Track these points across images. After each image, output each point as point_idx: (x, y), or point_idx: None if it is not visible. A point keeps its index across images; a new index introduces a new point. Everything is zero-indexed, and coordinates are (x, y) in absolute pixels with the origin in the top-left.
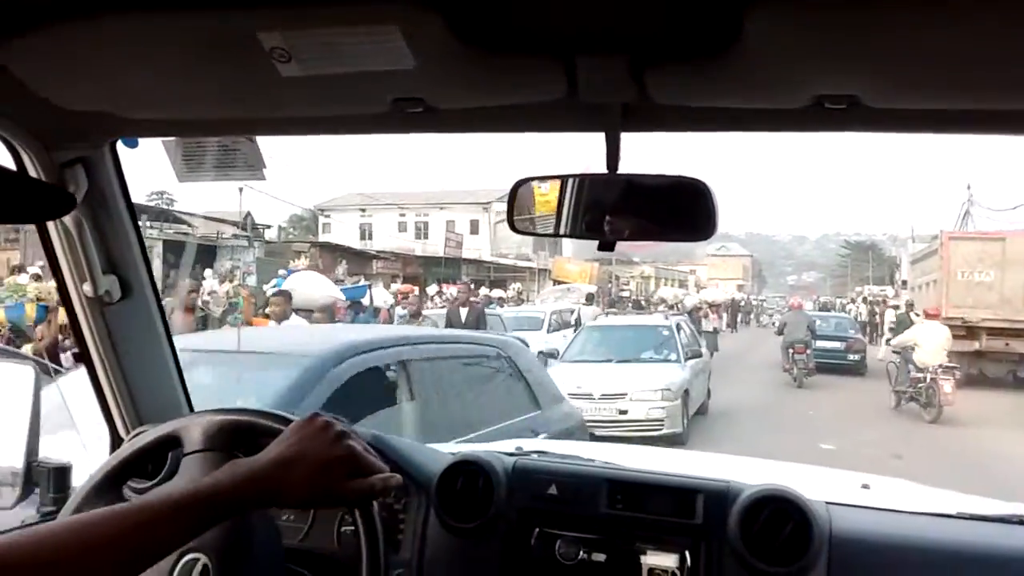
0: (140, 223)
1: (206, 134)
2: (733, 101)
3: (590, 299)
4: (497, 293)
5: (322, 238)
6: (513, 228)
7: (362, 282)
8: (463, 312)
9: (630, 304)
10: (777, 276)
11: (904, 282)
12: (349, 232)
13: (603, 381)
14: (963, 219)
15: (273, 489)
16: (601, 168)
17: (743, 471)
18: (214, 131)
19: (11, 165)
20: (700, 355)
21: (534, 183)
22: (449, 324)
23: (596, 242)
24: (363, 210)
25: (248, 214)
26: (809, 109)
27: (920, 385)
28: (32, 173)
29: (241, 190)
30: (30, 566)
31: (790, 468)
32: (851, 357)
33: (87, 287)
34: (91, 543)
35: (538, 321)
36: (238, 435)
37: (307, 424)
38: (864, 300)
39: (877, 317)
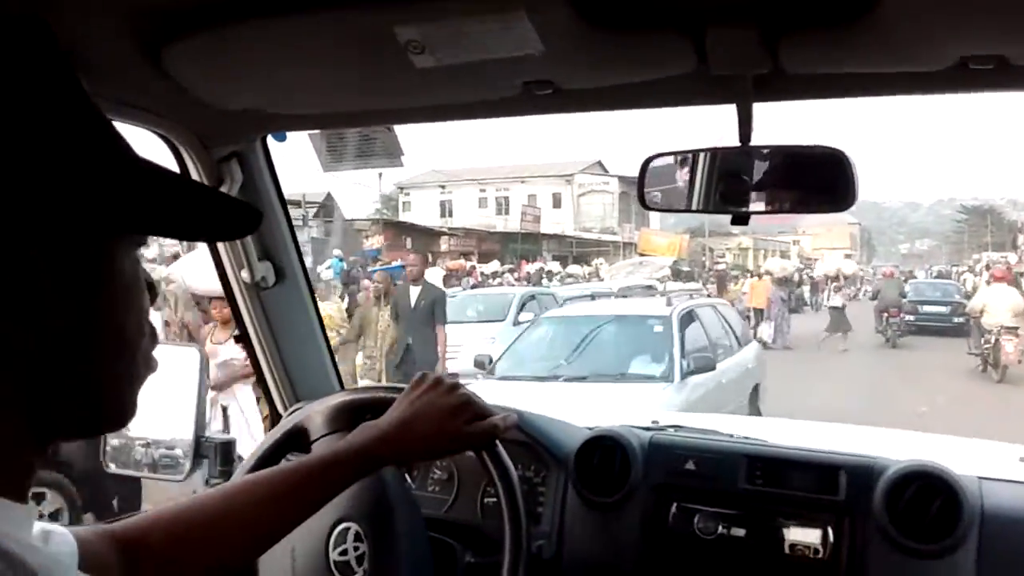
0: None
1: (348, 126)
2: (871, 66)
3: (677, 274)
4: (554, 267)
5: (402, 216)
6: (644, 204)
7: (397, 261)
8: (413, 293)
9: (707, 279)
10: (888, 245)
11: None
12: (429, 210)
13: None
14: None
15: (402, 445)
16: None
17: (891, 445)
18: (355, 123)
19: (172, 162)
20: (712, 367)
21: (665, 158)
22: (395, 311)
23: (692, 214)
24: (443, 187)
25: (328, 195)
26: (952, 71)
27: (987, 347)
28: (191, 169)
29: (381, 175)
30: (202, 523)
31: (942, 441)
32: (956, 320)
33: (245, 273)
34: (258, 500)
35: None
36: (360, 412)
37: (419, 383)
38: (987, 267)
39: None
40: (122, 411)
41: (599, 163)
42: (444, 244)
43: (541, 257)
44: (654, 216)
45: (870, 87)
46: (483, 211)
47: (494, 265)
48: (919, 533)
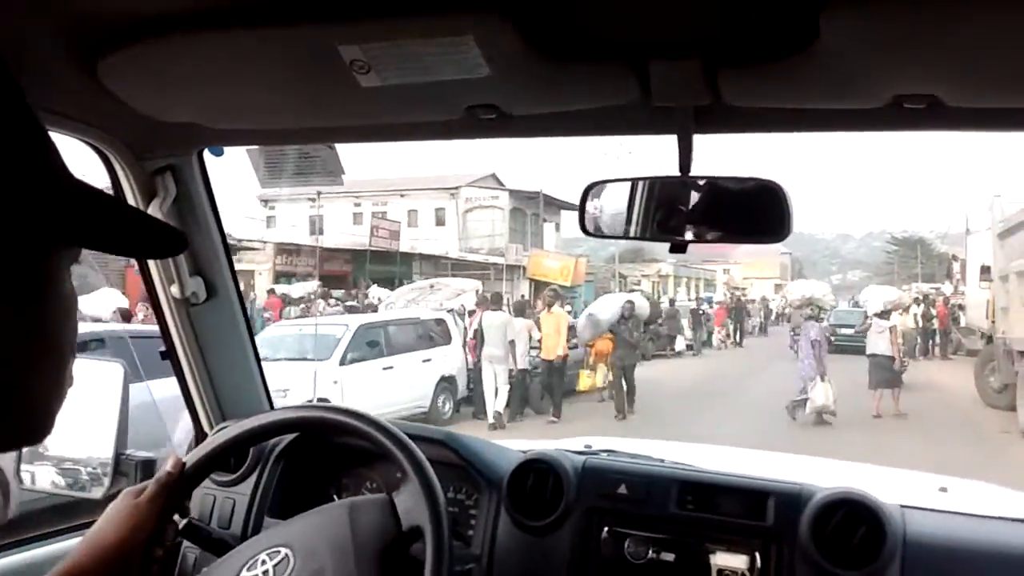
0: None
1: (289, 143)
2: (808, 102)
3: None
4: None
5: (267, 233)
6: (584, 230)
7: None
8: None
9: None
10: (821, 275)
11: (986, 268)
12: (298, 225)
13: None
14: None
15: (96, 554)
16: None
17: (817, 473)
18: (297, 140)
19: (103, 173)
20: None
21: (606, 185)
22: None
23: (598, 240)
24: (312, 200)
25: None
26: (887, 109)
27: None
28: (123, 181)
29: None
30: None
31: (866, 470)
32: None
33: (175, 289)
34: None
35: (330, 342)
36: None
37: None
38: (924, 298)
39: (934, 321)
40: (45, 425)
41: (493, 175)
42: (264, 262)
43: (410, 280)
44: (549, 237)
45: (807, 123)
46: (359, 227)
47: (301, 287)
48: (843, 559)
